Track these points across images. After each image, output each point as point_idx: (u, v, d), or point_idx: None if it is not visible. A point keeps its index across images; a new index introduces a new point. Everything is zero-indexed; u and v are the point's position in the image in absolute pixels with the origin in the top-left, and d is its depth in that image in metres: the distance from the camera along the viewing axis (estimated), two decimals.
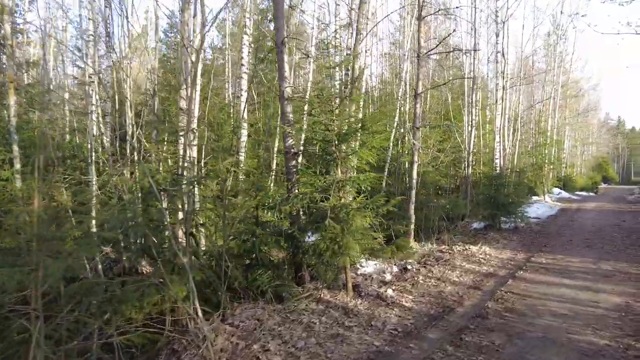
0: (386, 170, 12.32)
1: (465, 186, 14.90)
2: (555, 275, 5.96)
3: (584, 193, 29.34)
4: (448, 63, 19.68)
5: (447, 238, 8.61)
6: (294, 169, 5.40)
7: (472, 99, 14.67)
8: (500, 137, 15.10)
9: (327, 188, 4.87)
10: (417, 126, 8.22)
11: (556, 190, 23.54)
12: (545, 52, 24.81)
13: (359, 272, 5.73)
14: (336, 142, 4.92)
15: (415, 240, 8.74)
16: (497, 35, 14.52)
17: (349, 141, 5.07)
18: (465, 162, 15.15)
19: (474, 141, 14.82)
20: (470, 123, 14.89)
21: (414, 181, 8.34)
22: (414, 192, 8.28)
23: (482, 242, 8.58)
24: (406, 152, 15.39)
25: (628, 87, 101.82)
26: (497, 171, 13.48)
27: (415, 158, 8.29)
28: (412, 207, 8.23)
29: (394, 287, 5.26)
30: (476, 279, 5.84)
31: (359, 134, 5.04)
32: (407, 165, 15.32)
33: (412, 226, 8.22)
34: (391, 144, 12.47)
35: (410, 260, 7.07)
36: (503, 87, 14.44)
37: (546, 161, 17.82)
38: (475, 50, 14.23)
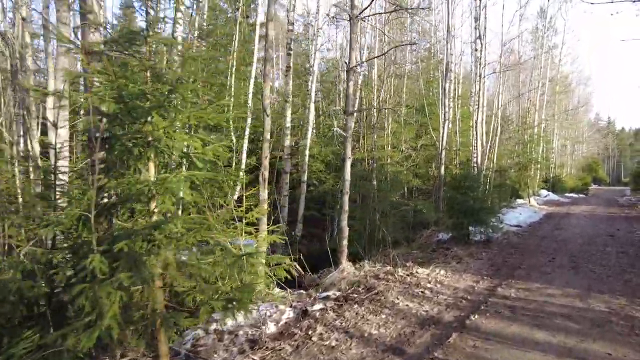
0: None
1: (437, 188, 13.00)
2: (524, 324, 4.01)
3: (573, 195, 27.69)
4: (422, 52, 17.81)
5: (391, 257, 6.63)
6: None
7: (445, 88, 12.77)
8: (478, 133, 13.22)
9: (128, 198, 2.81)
10: (349, 111, 6.23)
11: (544, 192, 21.80)
12: (532, 38, 23.11)
13: (212, 328, 3.70)
14: (148, 110, 2.85)
15: (353, 260, 6.77)
16: (477, 20, 12.66)
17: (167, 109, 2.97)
18: (439, 161, 13.25)
19: (446, 136, 12.89)
20: (443, 116, 12.97)
21: (347, 183, 6.36)
22: (346, 197, 6.30)
23: (437, 262, 6.63)
24: (368, 148, 13.46)
25: (618, 87, 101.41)
26: (472, 170, 11.56)
27: (348, 152, 6.31)
28: (345, 216, 6.26)
29: (257, 357, 3.25)
30: (404, 332, 3.86)
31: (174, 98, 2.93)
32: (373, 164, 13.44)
33: (345, 242, 6.24)
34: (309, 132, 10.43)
35: (328, 294, 5.09)
36: (480, 75, 12.55)
37: (532, 160, 16.02)
38: (423, 9, 12.33)
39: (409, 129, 16.57)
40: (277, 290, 5.32)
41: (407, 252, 7.60)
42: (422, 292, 5.10)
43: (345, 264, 6.14)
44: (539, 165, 16.50)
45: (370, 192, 10.96)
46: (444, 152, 12.86)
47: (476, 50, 12.97)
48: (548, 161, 27.43)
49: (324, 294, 5.14)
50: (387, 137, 14.84)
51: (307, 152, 11.25)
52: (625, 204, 17.99)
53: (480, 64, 12.50)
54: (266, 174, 6.25)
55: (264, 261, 5.04)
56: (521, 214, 12.52)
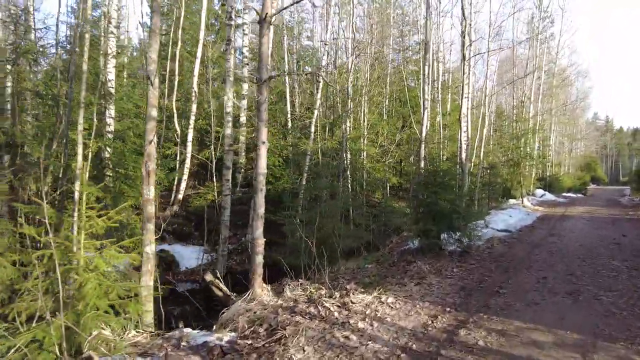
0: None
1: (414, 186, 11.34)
2: None
3: (571, 194, 26.10)
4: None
5: (327, 278, 4.96)
6: None
7: (425, 72, 11.10)
8: (463, 125, 11.58)
9: None
10: (263, 78, 4.54)
11: (539, 191, 20.18)
12: (527, 29, 21.50)
13: None
14: None
15: (297, 277, 5.13)
16: None
17: None
18: (418, 156, 11.61)
19: (427, 127, 11.22)
20: (423, 104, 11.31)
21: (261, 177, 4.68)
22: (260, 195, 4.61)
23: (389, 284, 4.96)
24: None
25: (617, 81, 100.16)
26: (452, 165, 9.93)
27: (263, 135, 4.62)
28: (259, 223, 4.58)
29: None
30: None
31: None
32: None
33: (259, 258, 4.56)
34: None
35: (209, 339, 3.43)
36: (465, 57, 10.89)
37: (525, 156, 14.36)
38: None
39: (389, 122, 14.93)
40: (133, 332, 3.65)
41: (358, 267, 5.93)
42: (346, 337, 3.43)
43: (258, 289, 4.47)
44: (533, 162, 14.85)
45: (337, 192, 9.31)
46: (423, 146, 11.20)
47: (462, 32, 11.33)
48: (545, 159, 25.88)
49: (203, 339, 3.48)
50: (362, 128, 13.20)
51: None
52: (628, 204, 16.38)
53: (465, 45, 10.84)
54: (152, 165, 4.57)
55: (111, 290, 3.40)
56: (511, 216, 10.87)
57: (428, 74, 11.35)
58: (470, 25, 11.34)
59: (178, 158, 11.09)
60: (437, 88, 15.30)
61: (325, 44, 10.06)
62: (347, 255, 7.60)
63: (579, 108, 32.07)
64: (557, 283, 4.98)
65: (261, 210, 4.56)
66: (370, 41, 13.47)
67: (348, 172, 12.26)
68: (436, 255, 6.46)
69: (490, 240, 8.04)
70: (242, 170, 11.12)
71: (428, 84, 11.44)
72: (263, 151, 4.56)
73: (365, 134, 13.22)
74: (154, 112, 4.69)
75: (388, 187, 15.02)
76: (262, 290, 4.53)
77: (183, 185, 10.96)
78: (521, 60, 22.40)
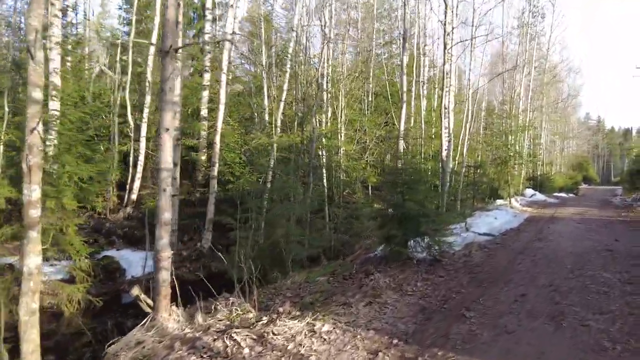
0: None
1: None
2: None
3: (563, 194, 25.46)
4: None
5: (256, 297, 4.05)
6: None
7: (403, 63, 10.22)
8: (444, 120, 10.75)
9: None
10: (166, 47, 3.60)
11: (529, 191, 19.46)
12: (517, 23, 20.75)
13: None
14: None
15: (243, 290, 4.24)
16: None
17: None
18: (396, 153, 10.74)
19: (405, 122, 10.35)
20: (401, 97, 10.44)
21: (166, 173, 3.73)
22: (164, 197, 3.67)
23: (334, 304, 4.07)
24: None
25: (608, 78, 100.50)
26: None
27: (167, 121, 3.66)
28: (164, 232, 3.65)
29: None
30: None
31: None
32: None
33: (164, 275, 3.64)
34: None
35: None
36: (445, 46, 10.04)
37: (514, 155, 13.53)
38: None
39: (371, 118, 14.07)
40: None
41: (307, 280, 5.03)
42: None
43: (164, 314, 3.55)
44: (522, 161, 14.04)
45: (299, 192, 8.40)
46: (402, 142, 10.33)
47: (444, 18, 10.49)
48: (535, 157, 25.23)
49: None
50: (339, 124, 12.31)
51: (217, 139, 8.63)
52: (620, 205, 15.68)
53: (446, 32, 9.99)
54: (34, 159, 3.62)
55: None
56: (497, 218, 10.04)
57: (414, 65, 10.49)
58: (453, 12, 10.50)
59: (131, 155, 10.11)
60: (422, 82, 14.49)
61: (293, 30, 9.14)
62: (310, 264, 6.70)
63: (570, 106, 31.51)
64: (538, 302, 4.12)
65: (165, 215, 3.63)
66: (348, 31, 12.60)
67: (324, 170, 11.37)
68: (402, 265, 5.58)
69: (469, 245, 7.19)
70: (202, 167, 10.16)
71: (415, 78, 10.58)
72: (166, 141, 3.62)
73: (343, 129, 12.33)
74: (37, 94, 3.72)
75: (370, 187, 14.18)
76: (169, 315, 3.61)
77: (137, 184, 9.99)
78: (512, 56, 21.68)
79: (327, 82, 11.99)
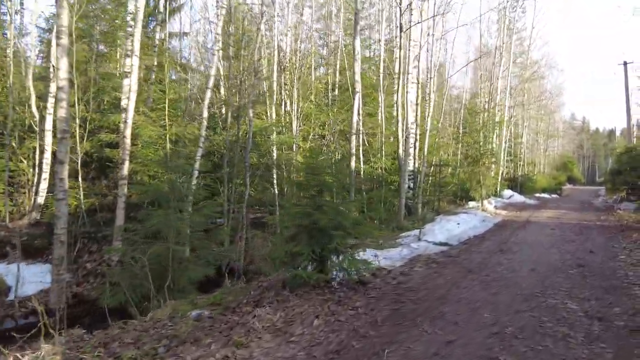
0: None
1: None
2: None
3: (545, 195, 24.57)
4: None
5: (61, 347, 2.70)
6: None
7: (355, 49, 8.95)
8: (401, 114, 9.51)
9: None
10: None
11: (508, 192, 18.42)
12: (497, 18, 19.76)
13: None
14: None
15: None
16: None
17: None
18: (349, 151, 9.47)
19: (357, 116, 9.07)
20: (353, 88, 9.18)
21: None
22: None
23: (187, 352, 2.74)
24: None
25: (592, 85, 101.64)
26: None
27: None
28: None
29: None
30: None
31: None
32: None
33: None
34: None
35: None
36: (401, 28, 8.81)
37: (485, 152, 12.39)
38: None
39: (331, 111, 12.78)
40: None
41: (173, 314, 3.71)
42: None
43: None
44: (494, 159, 12.95)
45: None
46: (354, 139, 9.07)
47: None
48: (516, 157, 24.32)
49: None
50: (293, 117, 11.00)
51: (127, 133, 7.23)
52: (601, 207, 14.70)
53: (401, 11, 8.76)
54: None
55: None
56: (459, 224, 8.84)
57: (359, 50, 9.22)
58: None
59: (37, 151, 8.66)
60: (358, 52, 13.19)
61: (222, 6, 7.75)
62: (211, 287, 5.37)
63: (554, 104, 30.76)
64: (465, 356, 2.85)
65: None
66: (301, 15, 11.32)
67: (274, 171, 10.05)
68: (313, 291, 4.28)
69: (415, 260, 5.96)
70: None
71: (357, 60, 9.32)
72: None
73: (296, 124, 11.02)
74: None
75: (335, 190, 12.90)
76: None
77: (44, 186, 8.54)
78: (490, 49, 20.67)
79: (278, 70, 10.68)
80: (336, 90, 14.76)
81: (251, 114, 8.38)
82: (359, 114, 10.15)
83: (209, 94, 7.68)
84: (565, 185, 39.80)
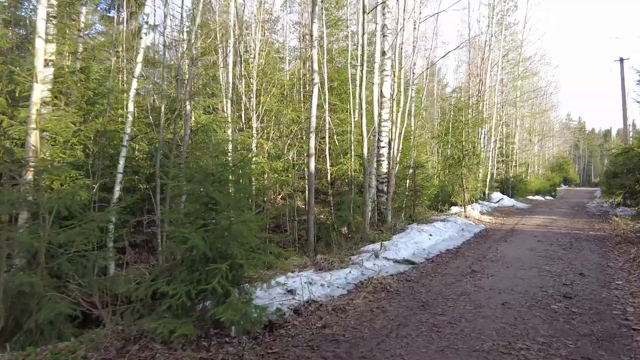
0: None
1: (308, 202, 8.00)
2: None
3: (538, 197, 23.52)
4: None
5: None
6: None
7: (313, 33, 7.74)
8: (364, 108, 8.33)
9: None
10: None
11: (497, 195, 17.33)
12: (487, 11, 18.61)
13: None
14: None
15: None
16: None
17: None
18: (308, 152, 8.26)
19: (316, 111, 7.85)
20: (312, 77, 7.96)
21: None
22: None
23: None
24: None
25: (588, 85, 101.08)
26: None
27: None
28: None
29: None
30: None
31: None
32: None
33: None
34: None
35: None
36: (364, 10, 7.61)
37: (468, 153, 11.17)
38: None
39: (297, 107, 11.58)
40: None
41: None
42: None
43: None
44: (478, 160, 11.71)
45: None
46: (313, 137, 7.86)
47: None
48: (508, 157, 23.23)
49: None
50: (252, 113, 9.80)
51: (32, 128, 5.98)
52: (595, 212, 13.58)
53: None
54: None
55: None
56: (432, 235, 7.65)
57: (317, 34, 8.01)
58: None
59: None
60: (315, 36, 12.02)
61: None
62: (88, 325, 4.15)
63: (547, 103, 29.71)
64: None
65: None
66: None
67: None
68: (195, 342, 3.08)
69: (360, 287, 4.78)
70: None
71: (315, 46, 8.12)
72: None
73: (257, 122, 9.82)
74: None
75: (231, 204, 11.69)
76: None
77: None
78: (481, 44, 19.54)
79: (234, 59, 9.49)
80: (309, 85, 13.57)
81: (189, 108, 7.15)
82: (324, 109, 8.95)
83: (134, 84, 6.48)
84: (560, 187, 38.91)
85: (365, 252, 6.42)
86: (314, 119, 7.83)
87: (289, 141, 10.02)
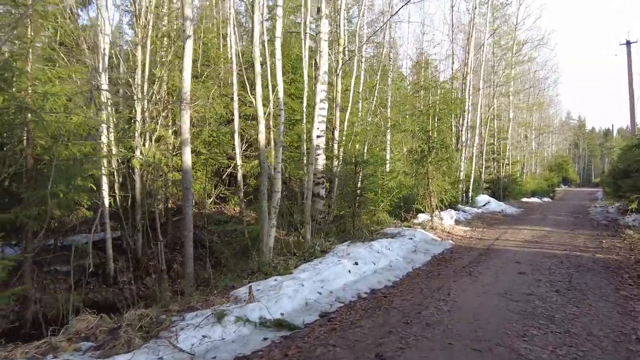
0: None
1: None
2: None
3: (534, 199, 20.86)
4: None
5: None
6: None
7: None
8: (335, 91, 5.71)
9: None
10: None
11: (483, 198, 14.69)
12: None
13: None
14: None
15: None
16: None
17: None
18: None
19: (264, 95, 5.25)
20: (253, 56, 5.38)
21: None
22: None
23: None
24: None
25: (588, 83, 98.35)
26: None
27: None
28: None
29: None
30: None
31: None
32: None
33: None
34: None
35: None
36: None
37: (436, 147, 8.47)
38: None
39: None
40: None
41: None
42: None
43: None
44: (447, 156, 9.00)
45: None
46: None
47: None
48: (499, 155, 20.63)
49: None
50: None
51: None
52: (601, 219, 10.91)
53: None
54: None
55: None
56: (357, 264, 5.02)
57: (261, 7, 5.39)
58: None
59: None
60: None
61: None
62: None
63: (546, 95, 27.11)
64: None
65: None
66: None
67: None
68: None
69: None
70: None
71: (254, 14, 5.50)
72: None
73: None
74: None
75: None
76: None
77: None
78: (464, 25, 16.93)
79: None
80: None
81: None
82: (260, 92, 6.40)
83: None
84: (560, 187, 36.35)
85: (224, 304, 3.79)
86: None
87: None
